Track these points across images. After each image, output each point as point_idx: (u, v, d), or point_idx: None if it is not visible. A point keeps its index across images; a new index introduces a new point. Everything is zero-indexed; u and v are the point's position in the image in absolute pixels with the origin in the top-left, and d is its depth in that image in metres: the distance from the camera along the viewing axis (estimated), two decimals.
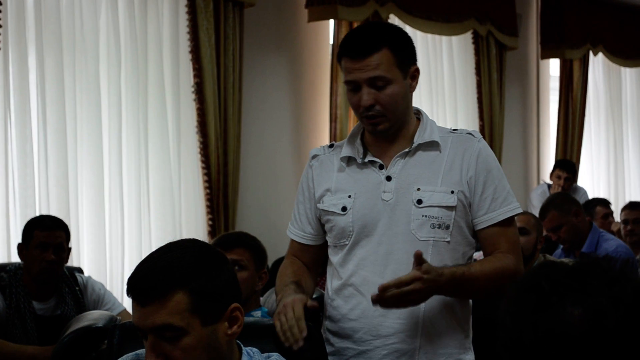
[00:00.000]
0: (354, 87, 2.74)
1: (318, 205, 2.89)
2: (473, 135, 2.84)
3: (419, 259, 2.54)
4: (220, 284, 2.13)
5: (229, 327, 2.15)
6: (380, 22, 2.91)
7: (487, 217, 2.79)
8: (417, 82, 2.83)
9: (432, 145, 2.80)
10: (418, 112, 2.90)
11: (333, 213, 2.83)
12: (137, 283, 2.10)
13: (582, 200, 7.99)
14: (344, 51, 2.76)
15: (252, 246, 3.91)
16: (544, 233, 5.39)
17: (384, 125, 2.76)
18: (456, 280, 2.62)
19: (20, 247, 4.43)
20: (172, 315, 2.05)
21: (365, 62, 2.70)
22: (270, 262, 6.21)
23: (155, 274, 2.09)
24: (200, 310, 2.08)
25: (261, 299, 4.30)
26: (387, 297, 2.52)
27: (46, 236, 4.36)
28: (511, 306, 1.32)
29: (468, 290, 2.71)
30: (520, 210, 2.86)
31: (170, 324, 2.05)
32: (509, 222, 2.82)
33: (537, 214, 5.76)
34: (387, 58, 2.71)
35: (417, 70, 2.82)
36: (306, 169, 2.97)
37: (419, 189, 2.75)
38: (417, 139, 2.80)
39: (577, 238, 5.63)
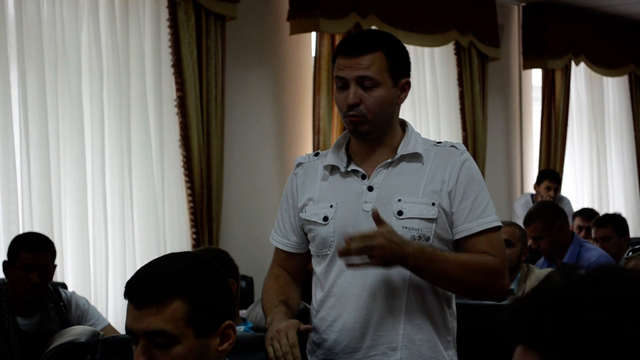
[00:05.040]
0: (342, 84, 2.75)
1: (300, 214, 2.88)
2: (456, 148, 2.84)
3: (377, 219, 2.59)
4: (218, 299, 2.14)
5: (221, 343, 2.15)
6: (382, 31, 2.93)
7: (463, 228, 2.77)
8: (406, 95, 2.83)
9: (415, 157, 2.80)
10: (403, 124, 2.90)
11: (315, 223, 2.83)
12: (137, 285, 2.10)
13: (567, 210, 8.02)
14: (339, 49, 2.79)
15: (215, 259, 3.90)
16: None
17: (365, 126, 2.76)
18: (425, 255, 2.63)
19: (6, 265, 4.41)
20: (167, 322, 2.05)
21: (357, 61, 2.72)
22: (254, 275, 6.21)
23: (156, 278, 2.10)
24: (196, 322, 2.08)
25: (244, 312, 4.30)
26: (352, 249, 2.56)
27: (32, 257, 4.32)
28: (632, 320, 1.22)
29: (439, 273, 2.68)
30: (498, 224, 2.81)
31: (164, 330, 2.05)
32: (492, 231, 2.79)
33: (521, 224, 5.78)
34: (380, 61, 2.73)
35: (408, 84, 2.83)
36: (290, 176, 2.96)
37: (399, 200, 2.75)
38: (401, 150, 2.80)
39: (556, 249, 5.65)
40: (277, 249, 2.99)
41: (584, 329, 1.16)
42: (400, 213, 2.74)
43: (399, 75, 2.79)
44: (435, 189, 2.77)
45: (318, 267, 2.86)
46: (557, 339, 1.17)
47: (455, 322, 2.89)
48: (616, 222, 6.47)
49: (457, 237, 2.79)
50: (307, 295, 3.08)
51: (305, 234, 2.91)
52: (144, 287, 2.09)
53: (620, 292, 1.19)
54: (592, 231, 6.53)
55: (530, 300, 1.23)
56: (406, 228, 2.73)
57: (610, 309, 1.17)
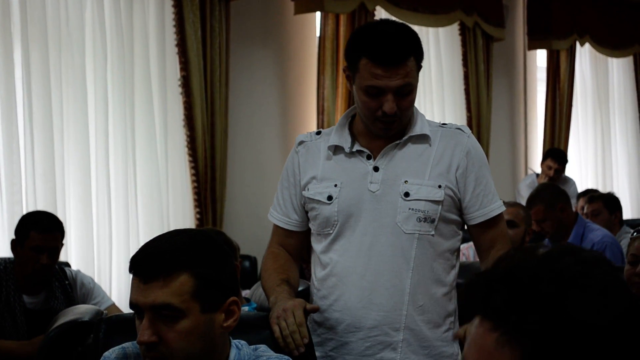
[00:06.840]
0: (377, 92, 2.69)
1: (303, 192, 2.87)
2: (462, 131, 2.85)
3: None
4: (224, 275, 2.14)
5: (225, 319, 2.16)
6: (401, 24, 2.84)
7: (480, 213, 2.82)
8: None
9: (423, 138, 2.80)
10: None
11: (318, 202, 2.82)
12: (143, 259, 2.10)
13: (571, 192, 7.99)
14: (371, 55, 2.67)
15: None
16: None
17: (395, 127, 2.76)
18: None
19: (14, 244, 4.37)
20: (173, 296, 2.06)
21: (397, 71, 2.66)
22: (258, 255, 6.22)
23: (163, 252, 2.10)
24: (202, 296, 2.08)
25: (248, 292, 4.31)
26: None
27: (43, 239, 4.27)
28: (572, 290, 1.26)
29: None
30: (503, 208, 2.90)
31: (171, 303, 2.05)
32: (499, 217, 2.87)
33: (525, 204, 5.76)
34: (412, 65, 2.69)
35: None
36: (292, 154, 2.94)
37: (406, 182, 2.75)
38: (409, 132, 2.79)
39: (560, 230, 5.63)
40: (277, 227, 2.97)
41: (534, 299, 1.19)
42: (407, 194, 2.74)
43: (420, 66, 2.77)
44: (442, 171, 2.78)
45: (318, 246, 2.86)
46: (509, 308, 1.20)
47: (456, 302, 2.90)
48: (607, 198, 6.52)
49: (472, 222, 2.85)
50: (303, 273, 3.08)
51: (306, 212, 2.90)
52: (151, 261, 2.09)
53: (574, 267, 1.22)
54: (585, 208, 6.59)
55: (487, 273, 1.27)
56: (412, 209, 2.74)
57: (560, 282, 1.20)
